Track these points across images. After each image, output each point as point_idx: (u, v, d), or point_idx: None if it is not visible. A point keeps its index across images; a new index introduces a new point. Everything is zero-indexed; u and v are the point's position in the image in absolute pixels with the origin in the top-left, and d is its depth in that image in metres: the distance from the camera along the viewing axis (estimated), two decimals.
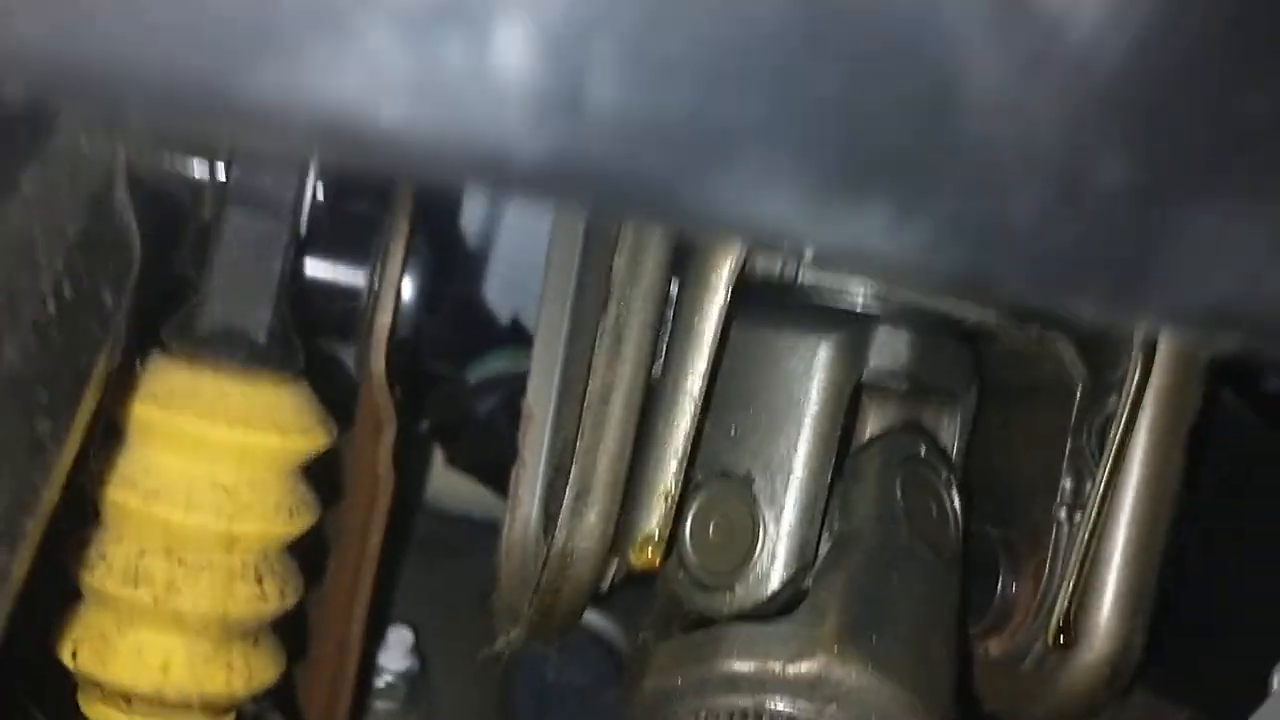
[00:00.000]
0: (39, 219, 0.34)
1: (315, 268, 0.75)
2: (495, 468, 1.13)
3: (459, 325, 1.19)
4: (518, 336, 1.17)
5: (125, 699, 0.62)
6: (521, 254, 1.11)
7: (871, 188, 0.24)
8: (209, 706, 0.63)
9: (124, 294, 0.40)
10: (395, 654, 0.97)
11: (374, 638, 0.95)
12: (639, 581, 1.07)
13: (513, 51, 0.21)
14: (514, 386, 1.12)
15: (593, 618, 1.12)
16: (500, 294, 1.18)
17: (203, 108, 0.22)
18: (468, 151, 0.22)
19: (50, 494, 0.35)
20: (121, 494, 0.60)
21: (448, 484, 1.17)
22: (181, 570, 0.60)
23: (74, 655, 0.62)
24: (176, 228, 0.59)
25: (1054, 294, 0.26)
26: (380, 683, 0.96)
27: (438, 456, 1.15)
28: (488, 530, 1.10)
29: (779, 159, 0.23)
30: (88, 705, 0.64)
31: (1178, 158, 0.25)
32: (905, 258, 0.24)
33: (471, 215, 1.12)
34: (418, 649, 0.99)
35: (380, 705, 0.96)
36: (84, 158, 0.38)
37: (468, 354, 1.14)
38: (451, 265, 1.11)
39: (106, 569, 0.61)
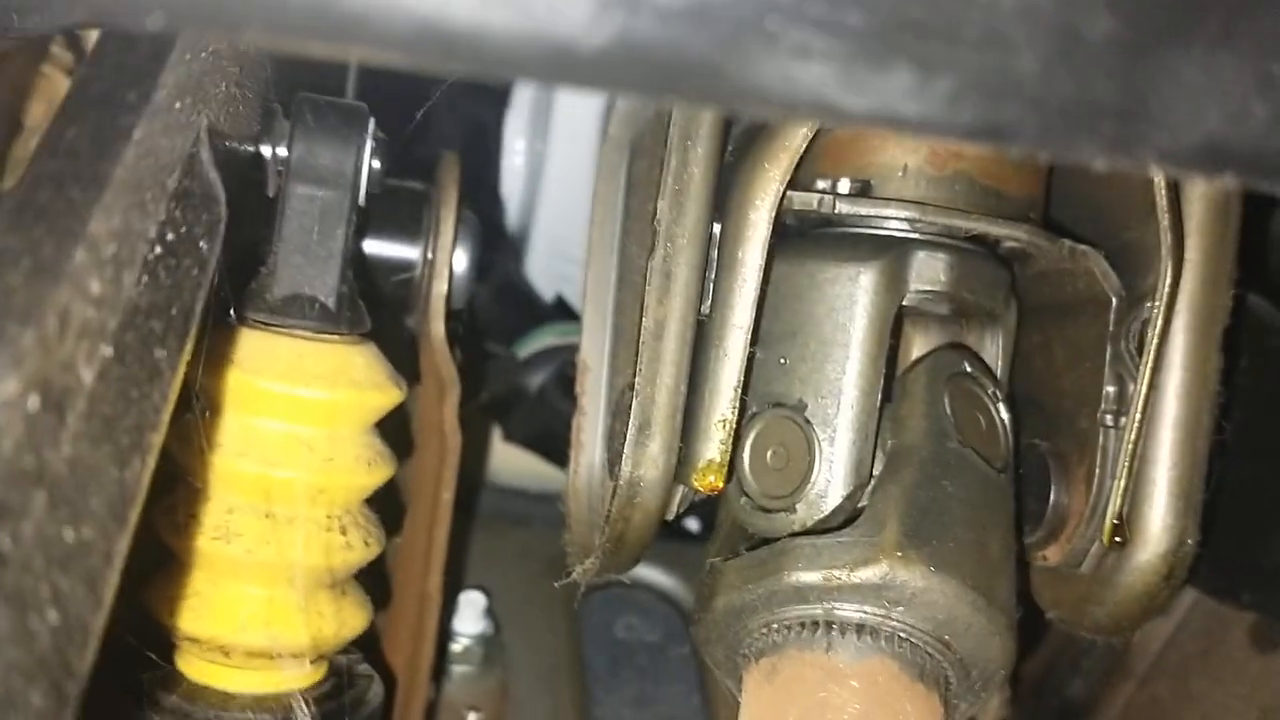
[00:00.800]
0: (146, 169, 0.37)
1: (370, 243, 0.79)
2: (548, 439, 1.17)
3: (506, 304, 1.22)
4: (562, 314, 1.20)
5: (224, 652, 0.65)
6: (563, 236, 1.15)
7: (895, 55, 0.26)
8: (302, 655, 0.66)
9: (216, 244, 0.44)
10: (469, 618, 1.00)
11: (448, 604, 0.99)
12: (697, 539, 1.10)
13: None
14: (562, 359, 1.16)
15: (658, 575, 1.15)
16: (544, 276, 1.21)
17: (314, 26, 0.25)
18: (540, 47, 0.25)
19: (165, 421, 0.38)
20: (210, 455, 0.64)
21: (505, 459, 1.20)
22: (270, 524, 0.64)
23: (171, 613, 0.65)
24: (247, 199, 0.63)
25: (1061, 143, 0.29)
26: (456, 647, 0.99)
27: (494, 434, 1.19)
28: (545, 501, 1.13)
29: (813, 35, 0.26)
30: (186, 664, 0.67)
31: (1154, 10, 0.27)
32: (929, 117, 0.27)
33: (511, 200, 1.15)
34: (490, 612, 1.02)
35: (457, 669, 1.00)
36: (179, 119, 0.41)
37: (516, 332, 1.17)
38: (494, 239, 1.14)
39: (198, 528, 0.64)
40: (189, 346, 0.41)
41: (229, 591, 0.65)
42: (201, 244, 0.42)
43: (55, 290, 0.30)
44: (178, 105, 0.41)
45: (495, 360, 1.16)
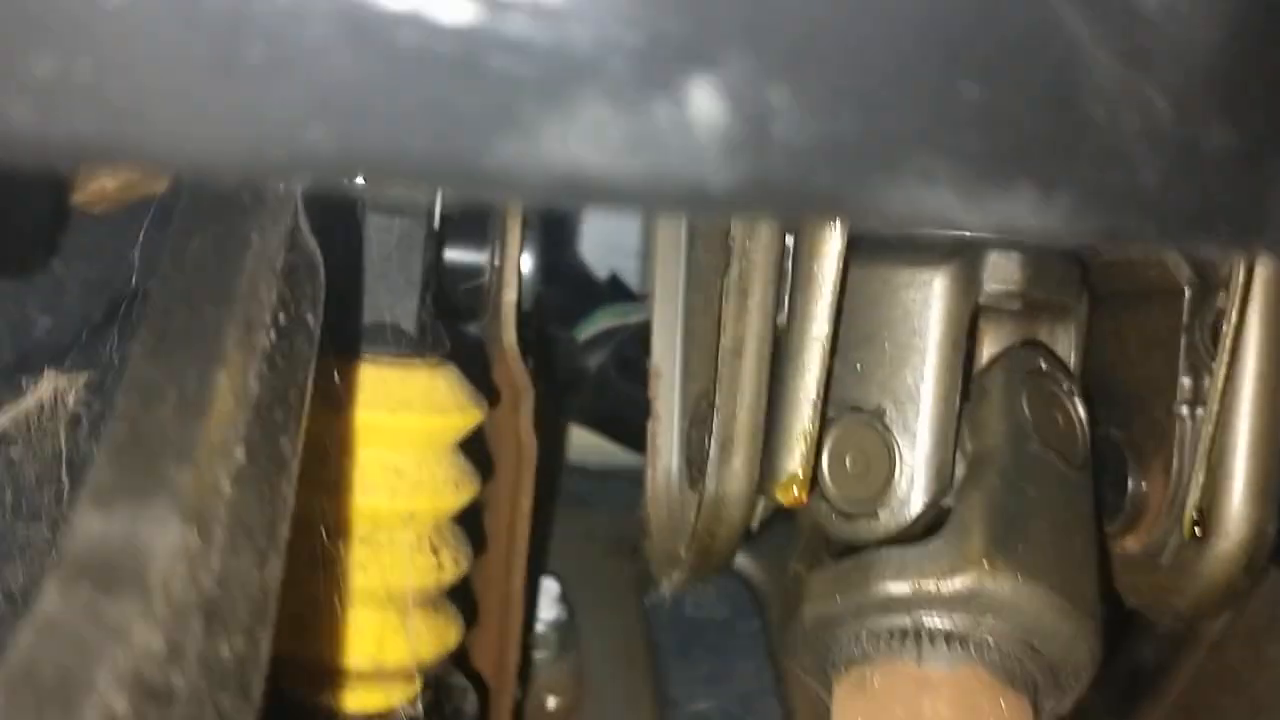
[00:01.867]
0: (259, 261, 0.38)
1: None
2: (610, 418, 1.18)
3: (567, 289, 1.23)
4: (617, 293, 1.21)
5: (325, 674, 0.67)
6: (614, 215, 1.15)
7: (1016, 174, 0.27)
8: (400, 674, 0.68)
9: (319, 313, 0.45)
10: (544, 605, 1.02)
11: (529, 594, 1.01)
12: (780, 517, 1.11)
13: (705, 105, 0.25)
14: (620, 339, 1.16)
15: None
16: (597, 253, 1.22)
17: (460, 180, 0.26)
18: (672, 190, 0.26)
19: (291, 509, 0.40)
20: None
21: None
22: (365, 549, 0.65)
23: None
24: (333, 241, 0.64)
25: (1182, 244, 0.29)
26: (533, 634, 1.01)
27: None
28: (607, 479, 1.14)
29: (936, 161, 0.27)
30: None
31: (1268, 120, 0.28)
32: (1050, 229, 0.28)
33: None
34: (564, 598, 1.04)
35: (535, 655, 1.01)
36: (278, 196, 0.42)
37: (575, 314, 1.18)
38: (560, 236, 1.15)
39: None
40: (304, 423, 0.42)
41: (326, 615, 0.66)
42: (309, 317, 0.43)
43: (205, 423, 0.31)
44: (280, 184, 0.42)
45: (554, 343, 1.17)
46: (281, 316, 0.39)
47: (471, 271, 0.82)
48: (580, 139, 0.25)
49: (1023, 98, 0.26)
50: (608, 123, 0.25)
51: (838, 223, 0.63)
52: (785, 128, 0.26)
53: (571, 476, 1.22)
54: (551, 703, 1.00)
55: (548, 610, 1.03)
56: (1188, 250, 0.29)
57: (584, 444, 1.20)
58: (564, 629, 1.03)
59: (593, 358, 1.17)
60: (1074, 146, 0.27)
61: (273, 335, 0.39)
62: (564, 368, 1.17)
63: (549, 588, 1.03)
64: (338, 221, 0.66)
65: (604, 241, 1.23)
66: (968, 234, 0.66)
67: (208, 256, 0.37)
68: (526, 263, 0.83)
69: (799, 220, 0.26)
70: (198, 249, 0.37)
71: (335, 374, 0.60)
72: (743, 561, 1.15)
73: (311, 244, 0.45)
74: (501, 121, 0.25)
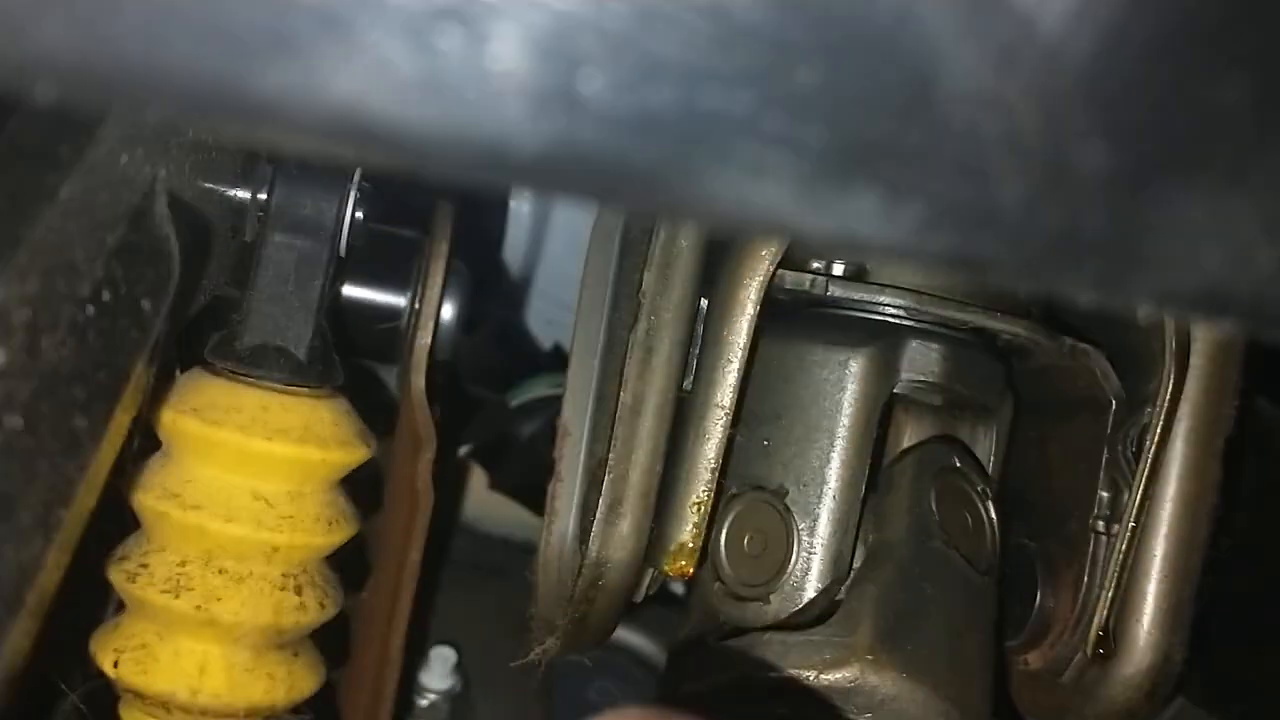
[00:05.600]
0: (78, 227, 0.35)
1: (357, 289, 0.77)
2: (537, 490, 1.14)
3: (500, 351, 1.21)
4: (559, 363, 1.18)
5: (165, 708, 0.63)
6: (562, 285, 1.13)
7: (859, 175, 0.24)
8: (248, 716, 0.64)
9: (162, 303, 0.42)
10: (438, 673, 0.98)
11: (416, 657, 0.96)
12: (677, 600, 1.07)
13: (509, 50, 0.23)
14: (556, 409, 1.13)
15: (636, 639, 1.12)
16: (541, 325, 1.20)
17: (223, 107, 0.23)
18: (470, 145, 0.23)
19: (87, 493, 0.36)
20: (164, 505, 0.61)
21: (490, 506, 1.18)
22: (222, 580, 0.62)
23: (115, 664, 0.63)
24: (216, 246, 0.61)
25: (1045, 276, 0.27)
26: (423, 702, 0.97)
27: (480, 479, 1.16)
28: (529, 551, 1.11)
29: (767, 150, 0.24)
30: (129, 715, 0.65)
31: (1156, 142, 0.25)
32: (896, 242, 0.25)
33: (514, 246, 1.14)
34: (460, 668, 1.00)
35: None
36: (124, 172, 0.39)
37: (509, 379, 1.15)
38: (492, 290, 1.12)
39: (149, 578, 0.62)
40: (121, 413, 0.39)
41: (174, 646, 0.63)
42: (144, 303, 0.40)
43: None
44: (124, 159, 0.39)
45: (485, 407, 1.14)
46: (105, 293, 0.37)
47: (391, 314, 0.79)
48: (363, 74, 0.22)
49: (870, 92, 0.24)
50: (395, 57, 0.22)
51: (747, 287, 0.61)
52: (597, 89, 0.23)
53: (491, 546, 1.18)
54: None
55: (442, 680, 0.98)
56: (1047, 287, 0.26)
57: (507, 516, 1.17)
58: (456, 700, 0.99)
59: (525, 426, 1.15)
60: (926, 151, 0.24)
61: (89, 310, 0.36)
62: (493, 432, 1.14)
63: (446, 656, 0.99)
64: (235, 231, 0.63)
65: (550, 313, 1.20)
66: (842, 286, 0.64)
67: (0, 205, 0.34)
68: (448, 310, 0.80)
69: (613, 204, 0.23)
70: None
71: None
72: (656, 651, 1.11)
73: (166, 231, 0.42)
74: (273, 44, 0.22)
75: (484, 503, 1.17)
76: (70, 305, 0.34)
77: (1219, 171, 0.25)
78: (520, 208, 1.13)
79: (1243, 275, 0.26)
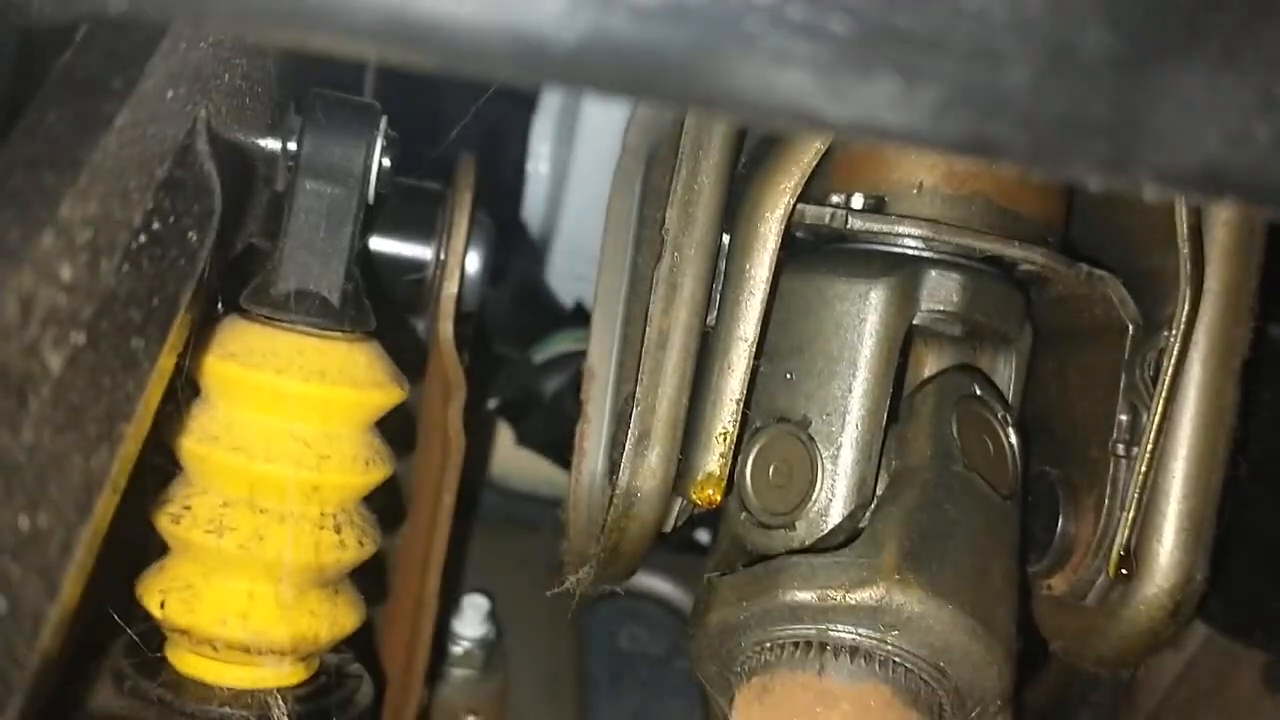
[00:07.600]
0: (130, 156, 0.37)
1: (384, 242, 0.79)
2: (563, 445, 1.16)
3: (524, 308, 1.22)
4: (581, 319, 1.19)
5: (212, 646, 0.64)
6: (584, 242, 1.14)
7: (877, 62, 0.26)
8: (292, 652, 0.66)
9: (207, 235, 0.43)
10: (471, 621, 0.99)
11: (450, 606, 0.98)
12: (704, 549, 1.08)
13: None
14: (578, 365, 1.15)
15: (665, 586, 1.14)
16: (564, 282, 1.21)
17: (275, 12, 0.24)
18: (510, 40, 0.25)
19: (144, 413, 0.38)
20: (205, 448, 0.63)
21: (517, 463, 1.19)
22: (264, 519, 0.63)
23: (162, 605, 0.64)
24: (252, 193, 0.63)
25: (1052, 159, 0.28)
26: (458, 649, 0.99)
27: (507, 437, 1.18)
28: (558, 505, 1.12)
29: (791, 38, 0.25)
30: (175, 655, 0.67)
31: (1156, 24, 0.26)
32: (913, 128, 0.26)
33: (533, 206, 1.15)
34: (493, 616, 1.01)
35: (457, 672, 0.99)
36: (170, 107, 0.41)
37: (533, 336, 1.17)
38: (515, 243, 1.14)
39: (192, 520, 0.64)
40: (172, 337, 0.40)
41: (219, 585, 0.64)
42: (190, 235, 0.41)
43: (17, 274, 0.30)
44: (170, 94, 0.41)
45: (510, 364, 1.15)
46: (155, 223, 0.38)
47: (417, 265, 0.81)
48: None
49: None
50: None
51: (768, 221, 0.62)
52: None
53: (520, 502, 1.20)
54: None
55: (475, 627, 1.00)
56: (1059, 172, 0.27)
57: (536, 473, 1.18)
58: (490, 648, 1.01)
59: (549, 382, 1.16)
60: (940, 36, 0.26)
61: (141, 237, 0.37)
62: (518, 389, 1.16)
63: (479, 604, 1.01)
64: (268, 180, 0.65)
65: (572, 271, 1.22)
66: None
67: (60, 129, 0.36)
68: (473, 261, 0.82)
69: (647, 96, 0.24)
70: (52, 121, 0.36)
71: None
72: (684, 599, 1.13)
73: (208, 167, 0.44)
74: None
75: (512, 459, 1.19)
76: (125, 231, 0.36)
77: (1213, 52, 0.26)
78: (538, 168, 1.15)
79: (1240, 152, 0.27)
